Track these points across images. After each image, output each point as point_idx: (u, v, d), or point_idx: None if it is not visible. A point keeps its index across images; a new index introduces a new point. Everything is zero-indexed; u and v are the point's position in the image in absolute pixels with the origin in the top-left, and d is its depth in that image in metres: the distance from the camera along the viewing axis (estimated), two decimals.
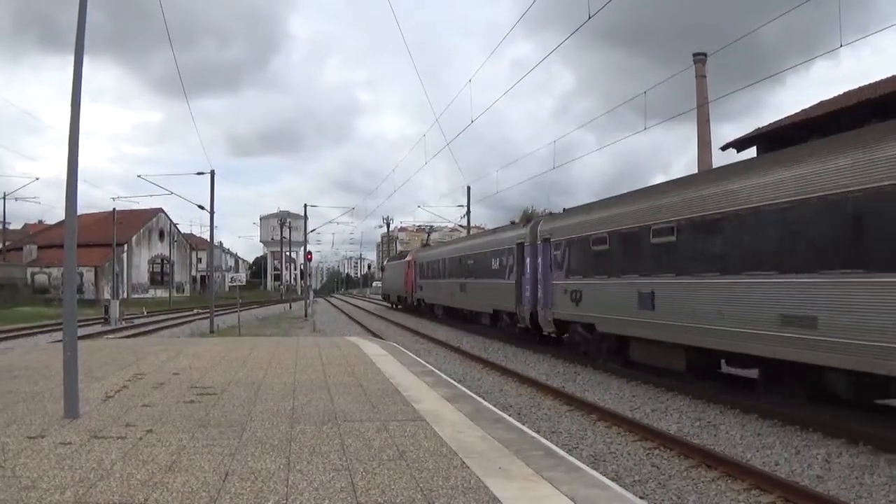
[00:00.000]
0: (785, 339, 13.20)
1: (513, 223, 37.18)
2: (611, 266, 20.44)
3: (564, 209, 28.09)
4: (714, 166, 35.70)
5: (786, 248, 13.38)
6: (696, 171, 45.12)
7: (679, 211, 17.01)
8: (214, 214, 41.65)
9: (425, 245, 69.20)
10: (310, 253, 65.71)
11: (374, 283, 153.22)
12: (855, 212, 11.85)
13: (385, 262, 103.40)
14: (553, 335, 26.34)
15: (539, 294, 26.24)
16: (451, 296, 41.67)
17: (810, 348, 12.62)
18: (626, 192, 21.94)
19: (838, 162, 12.27)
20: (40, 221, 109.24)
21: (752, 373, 15.69)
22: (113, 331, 38.23)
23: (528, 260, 27.61)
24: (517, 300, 28.78)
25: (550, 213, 33.82)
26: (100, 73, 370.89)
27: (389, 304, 75.72)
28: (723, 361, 17.03)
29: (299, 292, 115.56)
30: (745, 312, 14.35)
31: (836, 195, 12.17)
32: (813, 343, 12.50)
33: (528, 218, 31.09)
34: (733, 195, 15.00)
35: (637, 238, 18.86)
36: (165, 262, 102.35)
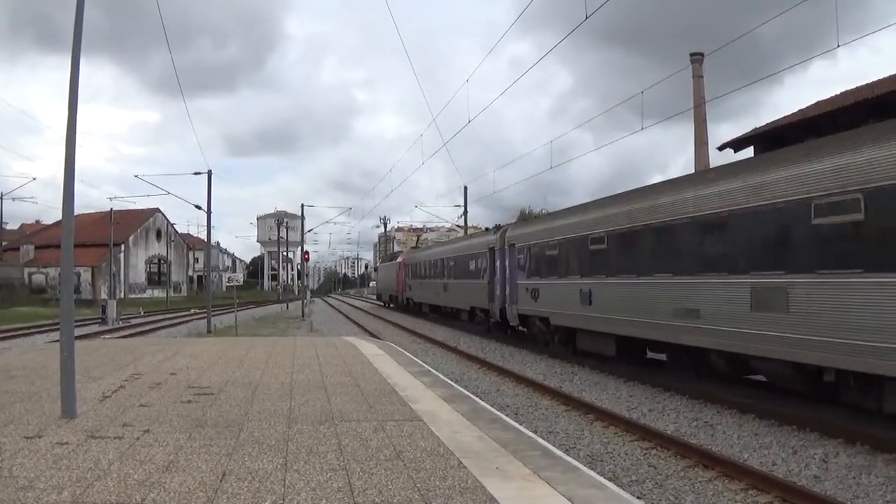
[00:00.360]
0: (679, 328, 16.59)
1: (486, 229, 39.71)
2: (560, 268, 24.01)
3: (527, 219, 35.85)
4: (711, 166, 35.73)
5: (676, 255, 16.89)
6: (693, 171, 45.18)
7: (608, 223, 20.52)
8: (211, 214, 41.66)
9: (415, 247, 72.37)
10: (307, 253, 65.87)
11: (370, 284, 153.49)
12: (719, 228, 15.37)
13: (378, 264, 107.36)
14: (519, 328, 29.64)
15: (507, 292, 29.79)
16: (436, 294, 45.45)
17: (696, 334, 15.93)
18: (573, 205, 26.64)
19: (705, 191, 16.01)
20: (37, 221, 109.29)
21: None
22: (110, 331, 38.19)
23: (497, 263, 31.20)
24: (489, 298, 32.34)
25: (516, 222, 38.82)
26: (97, 73, 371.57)
27: (382, 303, 79.50)
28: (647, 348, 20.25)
29: (296, 292, 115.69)
30: (652, 307, 17.71)
31: (704, 216, 15.81)
32: (698, 331, 15.82)
33: (498, 226, 34.21)
34: (640, 213, 18.72)
35: (579, 245, 22.38)
36: (162, 262, 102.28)
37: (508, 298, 29.52)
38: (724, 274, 14.99)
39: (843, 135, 12.90)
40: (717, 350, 15.56)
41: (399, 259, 64.61)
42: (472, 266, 35.89)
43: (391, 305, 70.24)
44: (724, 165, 17.15)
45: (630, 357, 20.27)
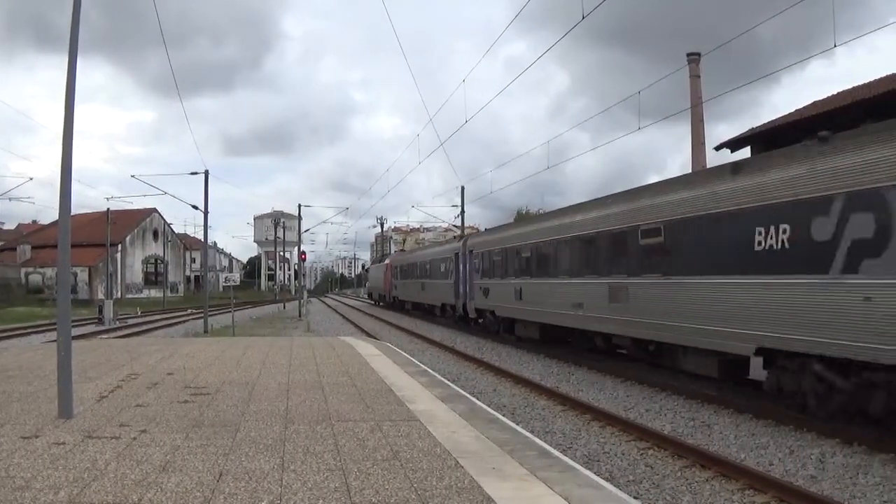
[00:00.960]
0: (574, 316, 22.46)
1: (455, 238, 49.62)
2: (503, 271, 30.49)
3: (486, 229, 43.80)
4: (708, 166, 35.78)
5: (569, 262, 23.15)
6: (690, 170, 45.16)
7: (529, 237, 27.37)
8: (208, 214, 41.58)
9: (401, 251, 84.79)
10: (304, 253, 65.87)
11: (367, 284, 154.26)
12: (591, 243, 21.40)
13: (370, 265, 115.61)
14: (478, 320, 35.49)
15: (467, 290, 36.65)
16: (416, 293, 52.31)
17: (582, 321, 21.98)
18: (511, 222, 39.81)
19: (583, 216, 22.45)
20: (34, 221, 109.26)
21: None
22: (107, 331, 38.15)
23: (461, 266, 37.96)
24: (455, 295, 39.29)
25: (477, 232, 46.62)
26: (93, 73, 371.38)
27: (373, 301, 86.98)
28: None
29: (293, 292, 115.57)
30: (558, 301, 23.67)
31: (584, 234, 21.94)
32: (583, 318, 21.79)
33: (460, 236, 46.11)
34: (548, 231, 25.32)
35: (514, 253, 28.86)
36: (159, 262, 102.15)
37: (468, 295, 36.35)
38: (594, 276, 20.96)
39: (656, 184, 19.37)
40: (594, 331, 21.70)
41: (386, 261, 72.53)
42: (442, 269, 42.89)
43: (381, 304, 76.12)
44: (595, 199, 22.99)
45: (552, 340, 26.15)
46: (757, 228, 13.61)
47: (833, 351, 11.93)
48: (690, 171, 43.16)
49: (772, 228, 13.26)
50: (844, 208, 11.64)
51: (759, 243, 13.51)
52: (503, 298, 29.90)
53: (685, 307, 16.11)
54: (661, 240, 17.11)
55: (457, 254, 38.81)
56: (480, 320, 34.82)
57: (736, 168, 14.90)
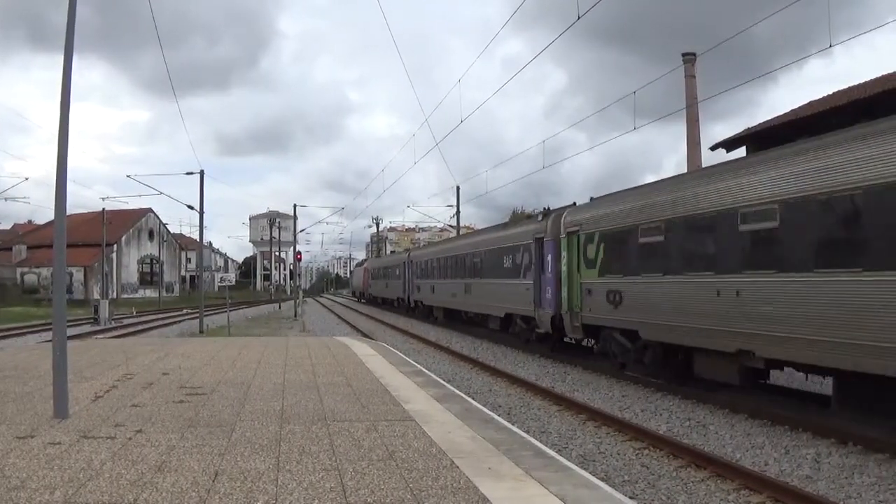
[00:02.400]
0: (488, 306, 32.41)
1: (406, 250, 66.40)
2: (430, 275, 45.67)
3: (424, 244, 58.60)
4: (704, 166, 35.77)
5: (467, 268, 35.62)
6: (686, 170, 45.10)
7: (438, 254, 43.00)
8: (204, 214, 41.59)
9: (377, 257, 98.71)
10: (299, 253, 65.87)
11: (351, 283, 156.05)
12: (465, 259, 36.45)
13: (353, 268, 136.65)
14: (416, 308, 50.61)
15: (410, 287, 52.29)
16: (382, 290, 68.68)
17: (456, 304, 37.89)
18: (448, 238, 57.98)
19: (467, 240, 39.66)
20: (30, 221, 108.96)
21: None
22: (102, 331, 38.13)
23: (407, 270, 53.44)
24: (403, 290, 54.96)
25: (420, 246, 60.58)
26: (87, 72, 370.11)
27: (355, 298, 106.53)
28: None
29: (289, 292, 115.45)
30: (485, 295, 32.81)
31: (464, 253, 36.97)
32: (457, 301, 37.92)
33: (407, 249, 51.61)
34: (473, 244, 36.46)
35: (434, 262, 43.64)
36: (155, 262, 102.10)
37: (411, 291, 52.00)
38: (469, 278, 35.40)
39: (512, 222, 34.70)
40: (466, 310, 37.28)
41: (364, 265, 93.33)
42: (397, 272, 58.24)
43: (362, 300, 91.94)
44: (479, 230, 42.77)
45: (447, 316, 42.50)
46: None
47: None
48: (686, 171, 43.11)
49: None
50: None
51: None
52: (429, 293, 45.77)
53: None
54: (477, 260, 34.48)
55: (404, 262, 55.13)
56: (420, 307, 49.70)
57: None
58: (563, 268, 22.95)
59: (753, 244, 14.04)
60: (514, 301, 27.73)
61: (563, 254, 22.98)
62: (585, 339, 23.17)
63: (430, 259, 45.61)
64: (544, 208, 29.01)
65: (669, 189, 17.68)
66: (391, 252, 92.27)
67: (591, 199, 22.99)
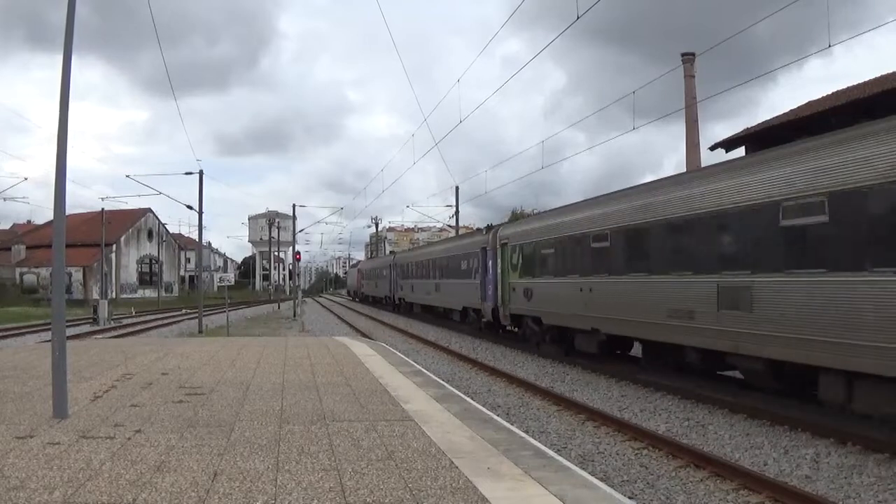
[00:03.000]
0: (451, 301, 39.53)
1: (391, 252, 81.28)
2: (407, 276, 53.95)
3: (403, 250, 72.52)
4: (702, 166, 35.82)
5: (432, 271, 45.45)
6: (684, 171, 45.15)
7: (411, 258, 54.02)
8: (203, 214, 41.59)
9: (370, 258, 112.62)
10: (298, 253, 65.70)
11: (347, 283, 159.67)
12: (428, 264, 46.75)
13: (347, 269, 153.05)
14: (402, 302, 56.61)
15: (393, 286, 60.28)
16: (373, 289, 77.72)
17: (438, 301, 43.71)
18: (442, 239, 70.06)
19: (430, 249, 51.79)
20: (29, 221, 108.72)
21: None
22: (101, 331, 38.14)
23: (393, 272, 61.19)
24: (389, 289, 63.42)
25: (403, 251, 71.14)
26: (86, 71, 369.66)
27: (350, 297, 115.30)
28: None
29: (288, 292, 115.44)
30: (449, 293, 39.68)
31: (434, 258, 45.47)
32: (452, 302, 39.76)
33: (392, 252, 55.95)
34: (442, 250, 43.88)
35: (434, 263, 44.59)
36: (154, 262, 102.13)
37: (396, 289, 59.83)
38: (438, 278, 42.02)
39: (468, 234, 45.90)
40: (437, 305, 43.88)
41: (358, 266, 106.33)
42: (384, 273, 67.45)
43: (357, 299, 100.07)
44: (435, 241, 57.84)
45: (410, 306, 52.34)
46: None
47: None
48: (685, 171, 43.16)
49: None
50: None
51: None
52: (409, 291, 53.74)
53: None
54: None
55: (390, 264, 63.93)
56: (402, 304, 56.95)
57: None
58: (499, 271, 30.03)
59: (597, 256, 20.45)
60: (468, 297, 35.42)
61: (498, 260, 30.02)
62: (512, 325, 29.63)
63: (410, 262, 54.60)
64: (487, 225, 39.29)
65: (552, 216, 25.65)
66: (390, 252, 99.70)
67: (513, 216, 41.12)
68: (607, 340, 20.54)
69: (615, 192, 21.56)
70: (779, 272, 13.07)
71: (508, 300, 28.44)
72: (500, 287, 29.78)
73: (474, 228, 69.41)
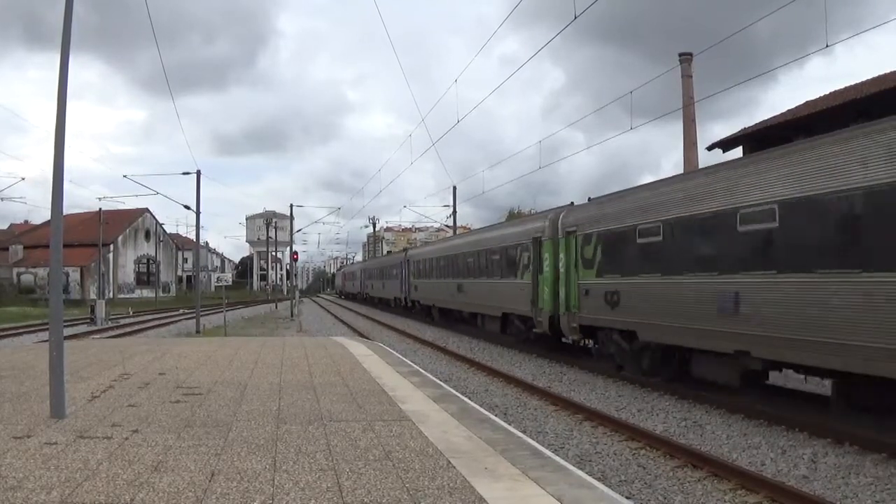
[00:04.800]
0: (475, 303, 33.83)
1: (363, 260, 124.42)
2: (378, 277, 68.25)
3: (513, 217, 70.23)
4: (701, 166, 35.80)
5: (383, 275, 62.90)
6: (682, 171, 45.12)
7: (467, 248, 36.15)
8: (200, 214, 41.53)
9: (351, 263, 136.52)
10: (296, 253, 65.80)
11: (336, 283, 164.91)
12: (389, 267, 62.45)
13: (336, 271, 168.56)
14: (417, 304, 49.96)
15: (406, 285, 54.89)
16: (351, 287, 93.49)
17: (479, 306, 33.64)
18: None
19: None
20: (26, 221, 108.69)
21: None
22: (99, 331, 38.08)
23: (361, 275, 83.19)
24: (360, 287, 78.43)
25: (371, 259, 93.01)
26: (83, 71, 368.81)
27: (338, 295, 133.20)
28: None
29: (285, 292, 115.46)
30: (486, 294, 31.67)
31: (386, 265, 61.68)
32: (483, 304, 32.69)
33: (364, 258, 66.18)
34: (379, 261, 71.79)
35: (389, 267, 58.90)
36: (151, 262, 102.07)
37: (365, 287, 78.09)
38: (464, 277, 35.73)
39: (442, 239, 52.30)
40: (476, 312, 34.20)
41: (342, 270, 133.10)
42: (357, 275, 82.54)
43: (342, 297, 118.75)
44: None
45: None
46: None
47: None
48: (683, 171, 43.14)
49: None
50: None
51: None
52: (380, 289, 65.36)
53: None
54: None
55: (360, 269, 79.62)
56: (367, 297, 73.20)
57: None
58: (561, 268, 22.90)
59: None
60: (513, 301, 27.60)
61: (561, 254, 22.83)
62: (582, 339, 23.06)
63: (373, 267, 75.78)
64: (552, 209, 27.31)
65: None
66: (387, 253, 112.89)
67: (510, 216, 41.96)
68: (763, 369, 14.45)
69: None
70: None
71: (578, 306, 21.61)
72: (563, 288, 22.65)
73: (466, 229, 70.21)
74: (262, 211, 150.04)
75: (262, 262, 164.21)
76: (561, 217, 23.44)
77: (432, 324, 43.28)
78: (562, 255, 22.83)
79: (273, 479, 7.13)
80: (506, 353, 26.55)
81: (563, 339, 25.08)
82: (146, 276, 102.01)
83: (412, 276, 49.49)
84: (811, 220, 12.43)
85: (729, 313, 14.32)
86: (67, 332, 27.78)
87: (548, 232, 24.14)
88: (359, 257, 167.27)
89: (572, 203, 24.43)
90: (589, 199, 23.10)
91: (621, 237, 18.96)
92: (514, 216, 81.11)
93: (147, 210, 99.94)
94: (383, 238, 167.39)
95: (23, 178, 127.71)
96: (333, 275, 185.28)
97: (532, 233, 25.82)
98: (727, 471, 10.15)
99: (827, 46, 16.28)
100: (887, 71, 24.04)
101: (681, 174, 21.87)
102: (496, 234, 31.62)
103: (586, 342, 23.53)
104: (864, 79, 25.01)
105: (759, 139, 24.88)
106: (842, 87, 26.22)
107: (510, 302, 27.85)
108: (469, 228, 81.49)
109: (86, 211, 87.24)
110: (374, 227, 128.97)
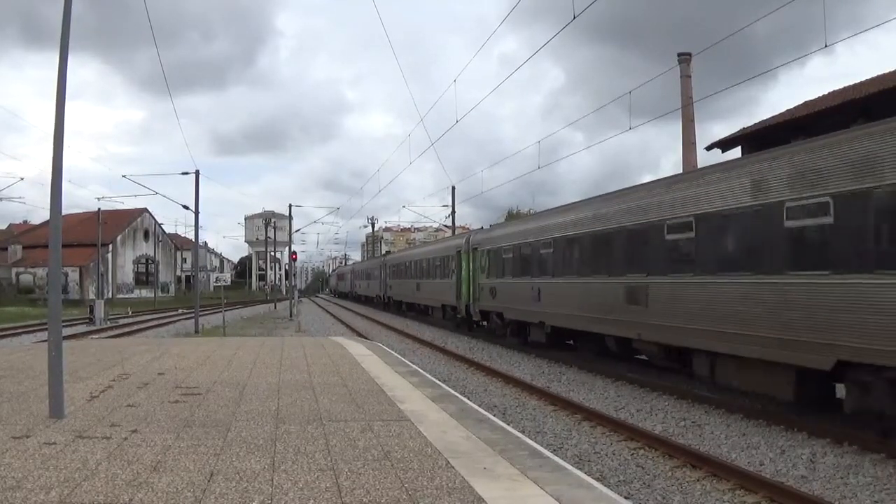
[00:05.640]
0: (425, 297, 46.18)
1: (353, 263, 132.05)
2: (363, 278, 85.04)
3: (394, 251, 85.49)
4: (700, 166, 35.81)
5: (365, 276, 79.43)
6: (681, 170, 45.15)
7: (419, 256, 48.96)
8: (199, 214, 41.50)
9: (342, 266, 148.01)
10: (294, 253, 65.81)
11: (329, 284, 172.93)
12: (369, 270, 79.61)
13: (331, 272, 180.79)
14: (391, 299, 60.50)
15: (383, 285, 63.64)
16: (343, 287, 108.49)
17: (428, 299, 45.47)
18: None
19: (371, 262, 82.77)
20: (25, 221, 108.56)
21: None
22: (98, 331, 38.10)
23: (350, 276, 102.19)
24: (350, 287, 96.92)
25: (357, 262, 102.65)
26: (81, 70, 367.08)
27: (332, 295, 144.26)
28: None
29: (284, 292, 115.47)
30: (432, 291, 43.14)
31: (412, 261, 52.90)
32: (430, 298, 44.60)
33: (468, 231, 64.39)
34: (366, 268, 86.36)
35: (415, 265, 49.35)
36: (150, 262, 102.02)
37: (353, 286, 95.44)
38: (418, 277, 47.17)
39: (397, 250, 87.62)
40: (425, 304, 46.03)
41: (336, 272, 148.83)
42: (348, 277, 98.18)
43: (336, 295, 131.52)
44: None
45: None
46: None
47: None
48: (682, 171, 43.16)
49: None
50: None
51: None
52: (365, 288, 77.01)
53: None
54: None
55: (381, 265, 68.70)
56: (354, 296, 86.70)
57: None
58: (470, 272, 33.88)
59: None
60: (446, 295, 39.21)
61: (470, 263, 33.78)
62: (481, 320, 33.73)
63: (359, 269, 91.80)
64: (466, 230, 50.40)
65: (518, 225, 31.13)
66: (385, 252, 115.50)
67: (509, 216, 46.39)
68: (551, 331, 24.19)
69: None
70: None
71: (478, 298, 32.50)
72: (470, 286, 33.91)
73: (465, 230, 70.39)
74: (260, 211, 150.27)
75: (260, 262, 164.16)
76: (470, 238, 35.60)
77: (402, 314, 54.91)
78: (470, 264, 33.98)
79: (272, 479, 7.13)
80: (505, 353, 26.57)
81: (473, 320, 34.96)
82: (145, 276, 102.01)
83: (388, 277, 61.91)
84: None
85: (535, 300, 24.73)
86: (66, 332, 27.80)
87: (464, 248, 35.45)
88: (358, 257, 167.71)
89: (481, 227, 41.12)
90: (490, 226, 36.79)
91: (497, 252, 29.81)
92: (512, 216, 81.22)
93: (146, 210, 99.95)
94: (382, 238, 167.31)
95: (21, 178, 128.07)
96: (329, 276, 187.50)
97: (455, 248, 37.73)
98: (726, 471, 10.16)
99: (826, 46, 16.30)
100: (887, 70, 24.04)
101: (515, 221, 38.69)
102: (439, 247, 44.26)
103: (483, 322, 34.16)
104: (864, 78, 25.01)
105: (759, 139, 24.87)
106: (841, 86, 26.24)
107: (444, 296, 39.73)
108: (468, 228, 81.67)
109: (85, 211, 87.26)
110: (373, 227, 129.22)
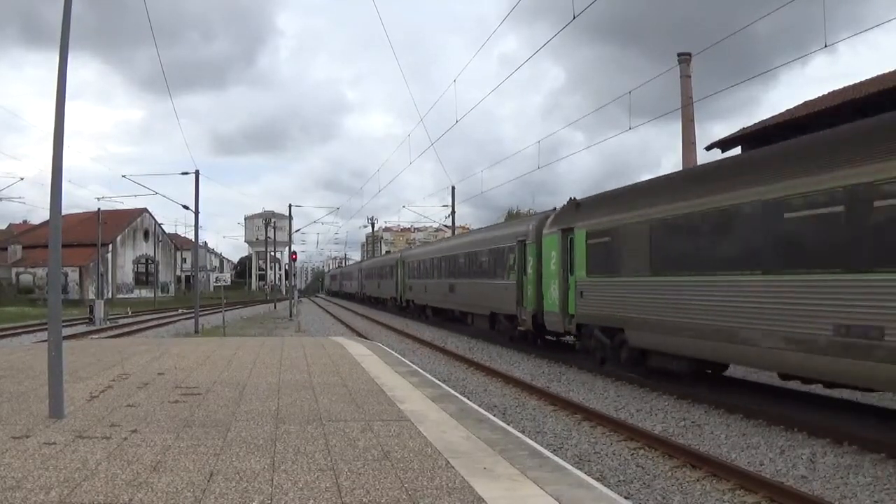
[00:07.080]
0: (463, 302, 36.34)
1: (386, 252, 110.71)
2: (362, 277, 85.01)
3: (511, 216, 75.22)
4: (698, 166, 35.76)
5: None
6: (681, 170, 45.11)
7: (458, 249, 38.55)
8: (199, 214, 41.50)
9: (338, 267, 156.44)
10: (294, 253, 65.78)
11: (324, 284, 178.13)
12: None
13: (327, 273, 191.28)
14: (411, 303, 51.82)
15: (401, 285, 56.65)
16: (337, 287, 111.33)
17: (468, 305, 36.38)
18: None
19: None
20: (25, 221, 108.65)
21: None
22: (98, 331, 38.10)
23: (339, 276, 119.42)
24: (396, 289, 58.14)
25: (351, 264, 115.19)
26: (81, 69, 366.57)
27: (327, 293, 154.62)
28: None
29: (284, 292, 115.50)
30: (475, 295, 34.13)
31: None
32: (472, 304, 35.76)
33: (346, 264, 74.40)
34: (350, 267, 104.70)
35: (362, 271, 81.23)
36: (150, 262, 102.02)
37: (338, 285, 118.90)
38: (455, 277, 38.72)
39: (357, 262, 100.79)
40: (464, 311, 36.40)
41: (330, 273, 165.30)
42: (342, 276, 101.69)
43: (330, 294, 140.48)
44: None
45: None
46: None
47: None
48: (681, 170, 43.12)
49: None
50: None
51: None
52: (358, 288, 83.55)
53: None
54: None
55: (339, 272, 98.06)
56: (343, 294, 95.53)
57: None
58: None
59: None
60: (498, 301, 30.06)
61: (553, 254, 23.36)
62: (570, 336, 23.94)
63: (353, 269, 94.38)
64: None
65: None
66: (386, 252, 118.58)
67: (509, 216, 42.25)
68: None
69: None
70: None
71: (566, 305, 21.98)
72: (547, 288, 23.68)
73: (465, 230, 69.64)
74: (260, 211, 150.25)
75: (260, 262, 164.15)
76: (550, 218, 24.64)
77: (423, 320, 47.49)
78: (542, 257, 24.66)
79: (272, 479, 7.13)
80: (504, 353, 26.57)
81: (546, 335, 26.01)
82: (145, 276, 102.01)
83: (407, 276, 57.21)
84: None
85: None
86: (66, 332, 27.80)
87: (531, 236, 25.90)
88: (358, 257, 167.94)
89: (553, 209, 27.95)
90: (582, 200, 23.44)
91: (618, 233, 19.07)
92: (512, 216, 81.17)
93: (146, 210, 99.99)
94: (382, 238, 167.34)
95: (21, 178, 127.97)
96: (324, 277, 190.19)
97: (514, 236, 27.92)
98: (726, 471, 10.15)
99: (826, 46, 16.30)
100: (887, 70, 24.04)
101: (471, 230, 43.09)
102: (486, 237, 34.16)
103: (566, 338, 25.12)
104: (865, 78, 25.01)
105: (758, 139, 24.86)
106: (841, 86, 26.24)
107: (495, 301, 30.70)
108: (468, 228, 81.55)
109: (84, 211, 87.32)
110: (373, 227, 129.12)
